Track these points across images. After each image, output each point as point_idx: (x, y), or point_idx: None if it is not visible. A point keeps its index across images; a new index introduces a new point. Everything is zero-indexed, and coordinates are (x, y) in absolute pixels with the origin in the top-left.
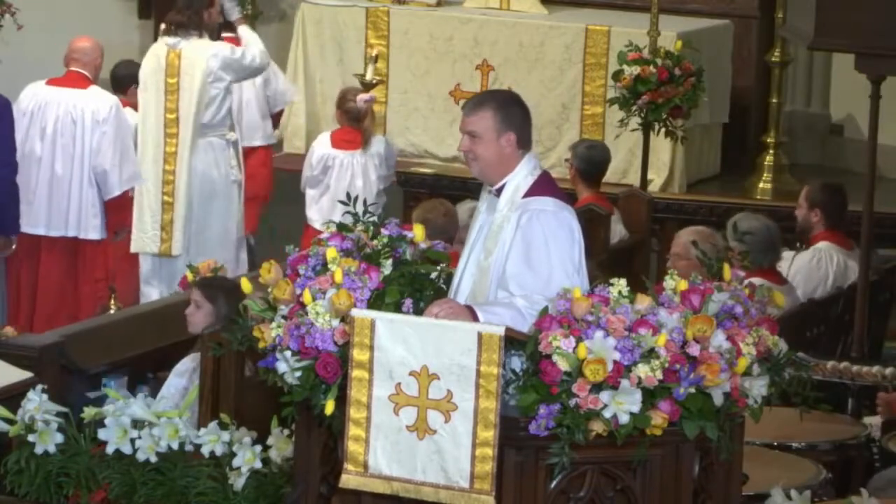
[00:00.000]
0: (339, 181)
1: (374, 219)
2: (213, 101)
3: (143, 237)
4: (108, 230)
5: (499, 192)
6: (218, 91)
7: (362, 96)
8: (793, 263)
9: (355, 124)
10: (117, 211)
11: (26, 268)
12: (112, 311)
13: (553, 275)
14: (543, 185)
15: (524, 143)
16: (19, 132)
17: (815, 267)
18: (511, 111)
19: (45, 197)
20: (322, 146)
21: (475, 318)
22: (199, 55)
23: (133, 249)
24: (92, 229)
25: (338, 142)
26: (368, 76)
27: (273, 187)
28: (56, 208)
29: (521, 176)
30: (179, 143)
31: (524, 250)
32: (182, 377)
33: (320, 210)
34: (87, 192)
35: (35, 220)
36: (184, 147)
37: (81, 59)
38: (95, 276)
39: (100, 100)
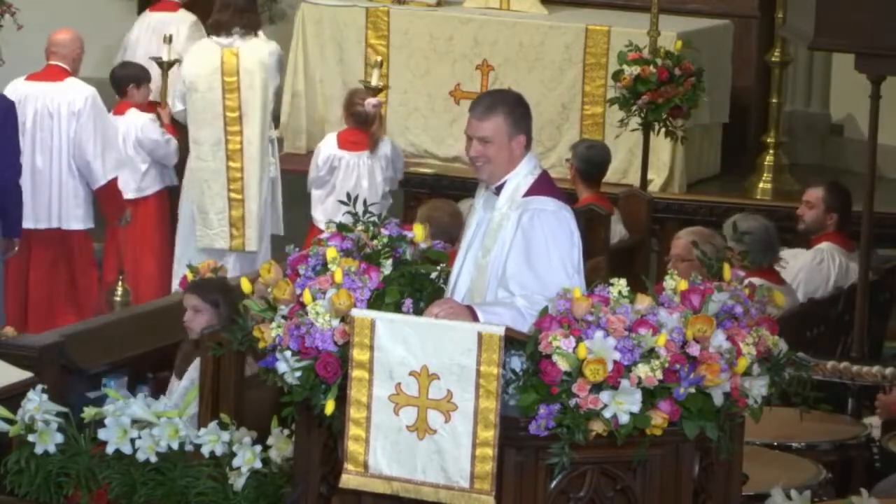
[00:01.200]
0: (345, 182)
1: (374, 219)
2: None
3: (209, 233)
4: (109, 219)
5: (498, 189)
6: (272, 89)
7: (370, 100)
8: (794, 263)
9: (363, 127)
10: (111, 199)
11: (19, 262)
12: (119, 294)
13: (553, 275)
14: (543, 185)
15: (530, 144)
16: None
17: (816, 267)
18: (520, 113)
19: (29, 191)
20: (328, 147)
21: (475, 318)
22: (258, 53)
23: (200, 246)
24: (74, 220)
25: (344, 143)
26: (374, 81)
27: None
28: (40, 201)
29: (522, 175)
30: (246, 141)
31: (525, 250)
32: (187, 378)
33: (325, 211)
34: (67, 183)
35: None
36: (251, 145)
37: (60, 51)
38: (89, 268)
39: (75, 92)
